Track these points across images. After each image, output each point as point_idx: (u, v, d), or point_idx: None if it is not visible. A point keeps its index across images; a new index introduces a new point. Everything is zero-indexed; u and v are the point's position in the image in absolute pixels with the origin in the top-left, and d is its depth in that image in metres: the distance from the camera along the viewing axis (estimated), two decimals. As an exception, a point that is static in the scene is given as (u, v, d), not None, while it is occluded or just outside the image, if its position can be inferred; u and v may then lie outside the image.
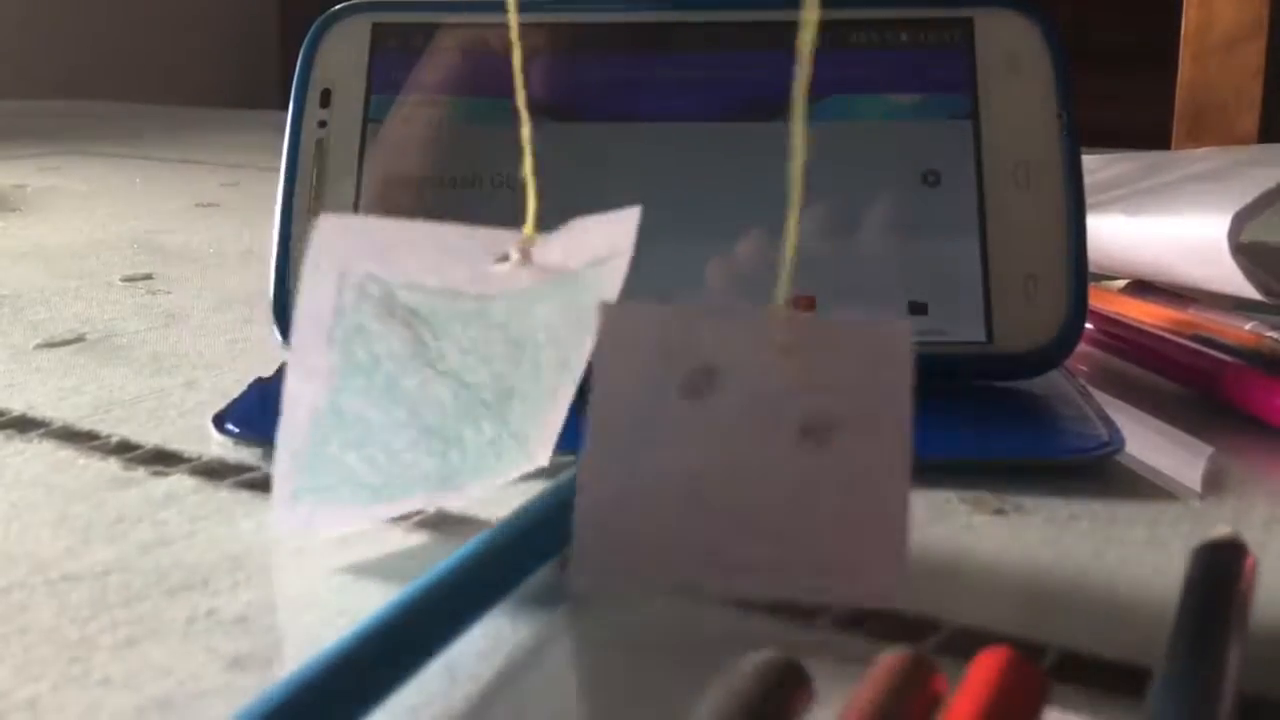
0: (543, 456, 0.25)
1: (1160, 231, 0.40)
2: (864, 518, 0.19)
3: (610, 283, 0.24)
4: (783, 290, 0.19)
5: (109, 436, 0.30)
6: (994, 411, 0.31)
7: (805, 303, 0.31)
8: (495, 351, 0.23)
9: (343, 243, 0.21)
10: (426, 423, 0.23)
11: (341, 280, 0.21)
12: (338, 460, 0.22)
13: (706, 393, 0.19)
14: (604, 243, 0.23)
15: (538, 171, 0.24)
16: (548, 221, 0.24)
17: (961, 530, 0.25)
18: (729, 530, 0.19)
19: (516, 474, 0.25)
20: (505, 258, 0.22)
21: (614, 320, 0.20)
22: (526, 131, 0.23)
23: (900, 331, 0.19)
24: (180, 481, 0.27)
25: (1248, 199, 0.39)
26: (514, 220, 0.33)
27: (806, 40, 0.18)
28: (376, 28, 0.34)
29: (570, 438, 0.27)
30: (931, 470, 0.28)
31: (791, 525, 0.19)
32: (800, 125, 0.18)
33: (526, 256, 0.22)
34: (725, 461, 0.19)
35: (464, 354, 0.23)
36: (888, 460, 0.19)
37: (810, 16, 0.18)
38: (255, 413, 0.31)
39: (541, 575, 0.22)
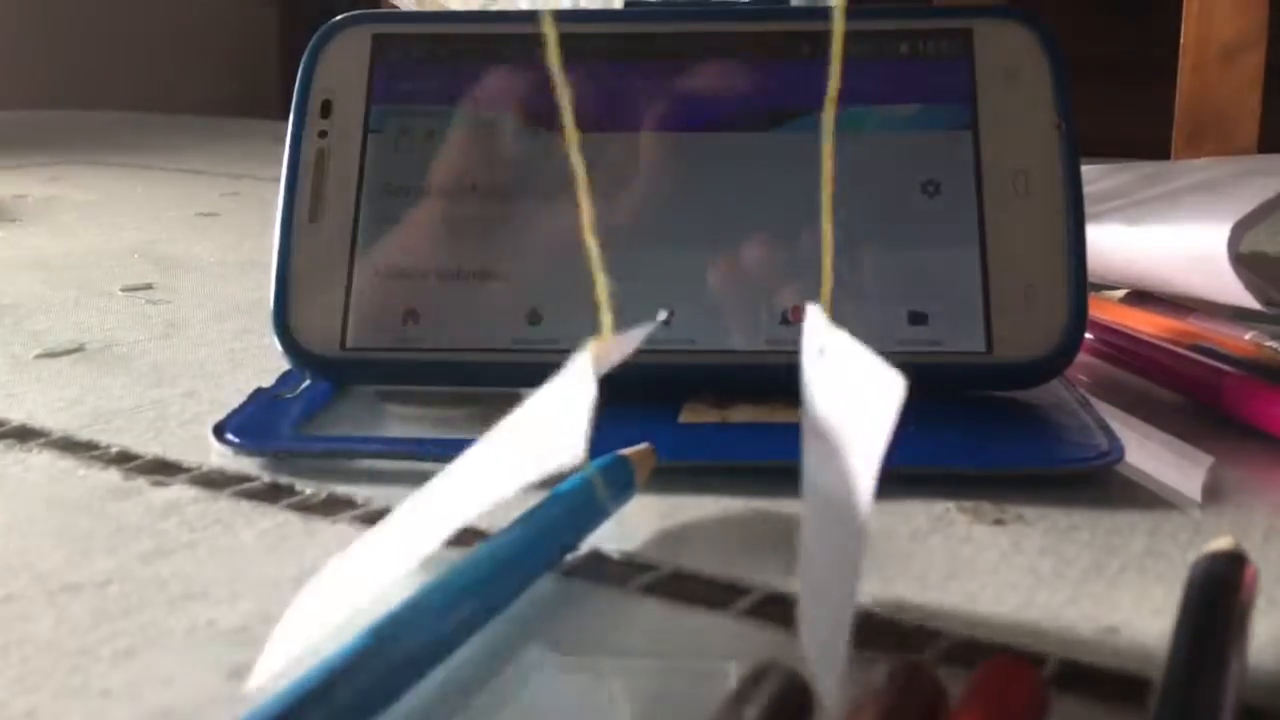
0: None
1: (1160, 241, 0.40)
2: None
3: None
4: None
5: (109, 446, 0.30)
6: (993, 421, 0.31)
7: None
8: None
9: None
10: None
11: None
12: None
13: None
14: None
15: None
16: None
17: (961, 540, 0.25)
18: None
19: None
20: None
21: None
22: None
23: None
24: (180, 491, 0.27)
25: (1247, 209, 0.39)
26: (515, 229, 0.33)
27: (836, 46, 0.19)
28: (377, 38, 0.34)
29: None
30: (930, 480, 0.28)
31: None
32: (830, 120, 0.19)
33: None
34: None
35: None
36: None
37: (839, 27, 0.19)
38: (255, 423, 0.31)
39: (543, 583, 0.22)
